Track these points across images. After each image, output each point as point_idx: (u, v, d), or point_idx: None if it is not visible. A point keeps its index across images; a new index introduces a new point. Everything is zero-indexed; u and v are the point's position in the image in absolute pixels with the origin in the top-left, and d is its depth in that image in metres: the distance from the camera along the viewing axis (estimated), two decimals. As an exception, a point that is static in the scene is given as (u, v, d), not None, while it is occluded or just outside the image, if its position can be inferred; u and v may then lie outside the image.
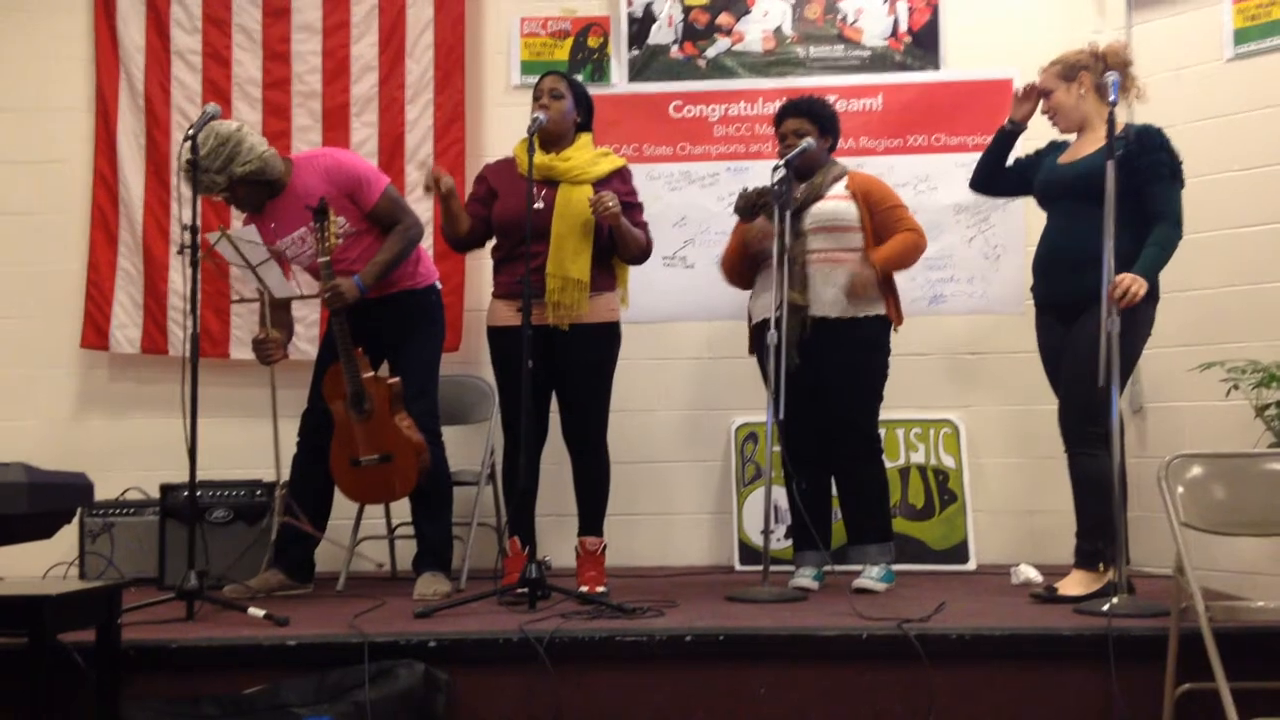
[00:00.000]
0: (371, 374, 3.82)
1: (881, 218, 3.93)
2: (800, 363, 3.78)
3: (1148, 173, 3.54)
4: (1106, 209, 3.30)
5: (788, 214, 3.74)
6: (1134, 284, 3.39)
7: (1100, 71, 3.65)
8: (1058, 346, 3.69)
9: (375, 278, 3.82)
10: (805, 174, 3.95)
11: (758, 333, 3.97)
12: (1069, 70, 3.74)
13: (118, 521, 4.31)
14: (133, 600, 3.33)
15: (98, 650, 2.85)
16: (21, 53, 4.95)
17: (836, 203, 3.92)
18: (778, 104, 4.15)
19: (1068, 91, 3.74)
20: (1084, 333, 3.51)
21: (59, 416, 4.86)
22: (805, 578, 3.88)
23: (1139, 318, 3.51)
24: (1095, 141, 3.62)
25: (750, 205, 3.90)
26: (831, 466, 4.00)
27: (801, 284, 3.83)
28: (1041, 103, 3.82)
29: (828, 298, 3.87)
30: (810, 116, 3.98)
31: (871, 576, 3.85)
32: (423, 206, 4.73)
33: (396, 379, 3.86)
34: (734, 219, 4.03)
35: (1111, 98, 3.39)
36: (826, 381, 3.87)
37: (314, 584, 3.99)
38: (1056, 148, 3.86)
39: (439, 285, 4.13)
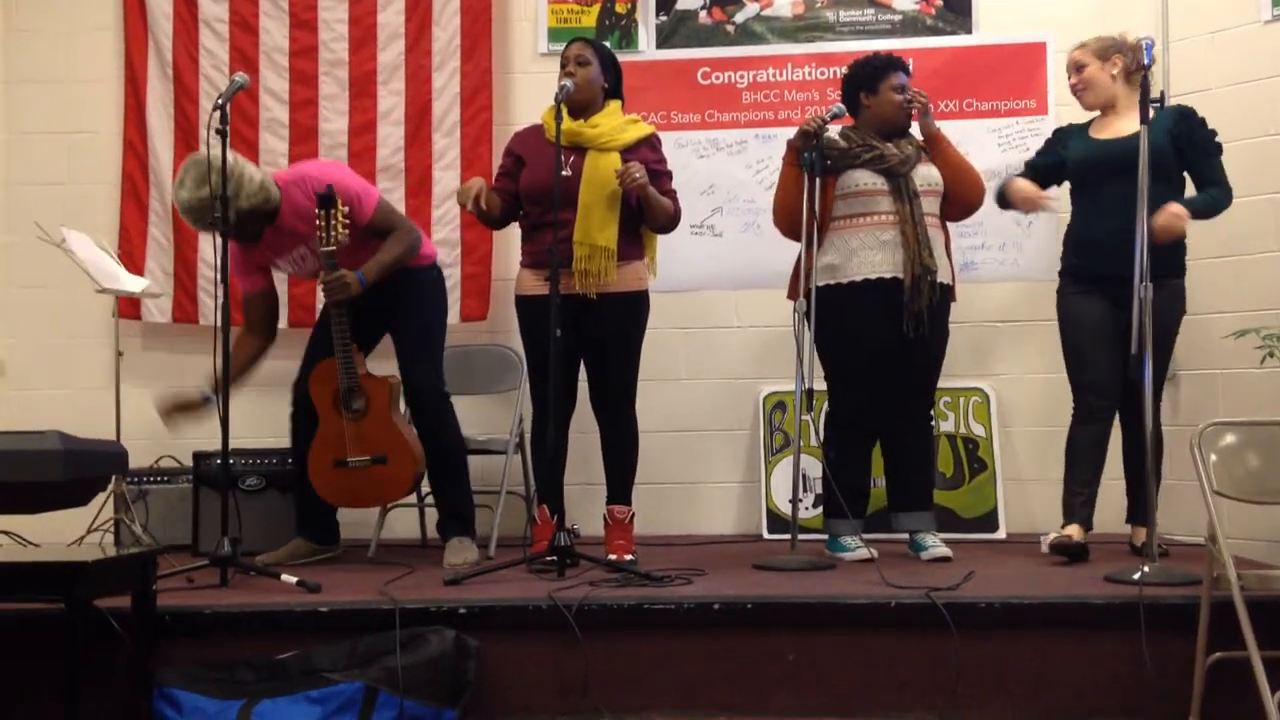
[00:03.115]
0: (367, 372, 3.78)
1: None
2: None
3: (1201, 147, 3.78)
4: (1141, 180, 3.32)
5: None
6: (1176, 218, 3.58)
7: (1132, 59, 3.80)
8: (1108, 321, 3.75)
9: (377, 275, 3.74)
10: (895, 134, 3.88)
11: (833, 296, 3.78)
12: (1104, 49, 3.88)
13: (152, 489, 4.36)
14: (167, 567, 3.37)
15: (133, 616, 2.89)
16: (51, 24, 4.97)
17: (934, 168, 3.89)
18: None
19: (1101, 68, 3.87)
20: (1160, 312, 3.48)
21: (93, 385, 4.89)
22: (862, 547, 3.79)
23: (1175, 292, 3.71)
24: (1133, 121, 3.62)
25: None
26: (886, 433, 3.91)
27: (930, 248, 3.77)
28: (1072, 76, 3.93)
29: (943, 264, 3.84)
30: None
31: (940, 544, 3.83)
32: (451, 174, 4.76)
33: (395, 376, 3.84)
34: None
35: (1147, 60, 3.41)
36: (917, 346, 3.80)
37: (341, 544, 4.01)
38: (1073, 131, 3.98)
39: (439, 264, 4.09)
